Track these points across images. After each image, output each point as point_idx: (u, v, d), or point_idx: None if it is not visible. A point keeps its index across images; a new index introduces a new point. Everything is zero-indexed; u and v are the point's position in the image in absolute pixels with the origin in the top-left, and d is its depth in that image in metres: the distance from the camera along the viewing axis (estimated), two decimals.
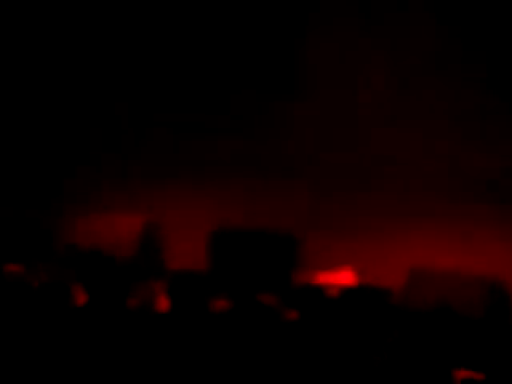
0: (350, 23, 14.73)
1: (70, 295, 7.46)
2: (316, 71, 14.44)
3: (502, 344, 7.62)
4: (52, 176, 13.40)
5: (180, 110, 14.46)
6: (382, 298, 8.71)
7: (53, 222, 11.20)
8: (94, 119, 14.26)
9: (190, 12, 15.29)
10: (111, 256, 8.89)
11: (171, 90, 14.81)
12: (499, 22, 13.91)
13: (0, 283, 7.84)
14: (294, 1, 15.07)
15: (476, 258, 10.74)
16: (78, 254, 9.42)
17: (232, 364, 6.69)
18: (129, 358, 6.82)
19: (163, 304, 8.03)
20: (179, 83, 14.92)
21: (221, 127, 14.25)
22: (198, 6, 15.28)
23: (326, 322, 7.27)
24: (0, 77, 15.02)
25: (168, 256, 10.38)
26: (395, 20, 14.22)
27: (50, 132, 14.39)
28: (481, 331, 8.25)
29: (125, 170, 13.25)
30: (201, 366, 6.72)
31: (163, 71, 14.87)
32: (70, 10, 14.94)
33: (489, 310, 8.86)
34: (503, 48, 13.28)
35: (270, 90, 14.78)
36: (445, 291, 8.94)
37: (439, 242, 11.30)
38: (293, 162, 13.46)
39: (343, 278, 9.59)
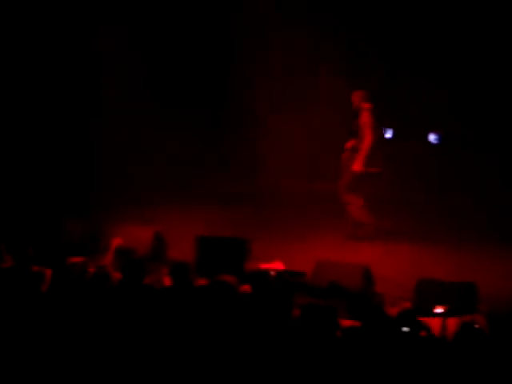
0: None
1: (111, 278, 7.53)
2: None
3: (370, 305, 7.78)
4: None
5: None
6: (300, 278, 9.14)
7: (98, 227, 10.92)
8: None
9: None
10: (135, 252, 9.32)
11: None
12: None
13: (66, 272, 7.58)
14: None
15: (357, 253, 10.88)
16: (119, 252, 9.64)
17: (207, 319, 6.76)
18: (146, 315, 6.86)
19: (167, 281, 8.18)
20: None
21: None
22: None
23: (267, 291, 7.44)
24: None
25: (169, 251, 10.40)
26: None
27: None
28: (358, 298, 8.37)
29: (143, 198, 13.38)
30: (189, 320, 6.76)
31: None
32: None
33: (362, 286, 8.97)
34: None
35: None
36: (338, 275, 8.94)
37: (335, 243, 11.36)
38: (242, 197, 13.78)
39: (277, 265, 9.66)
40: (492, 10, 13.65)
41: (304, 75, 14.84)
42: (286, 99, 15.15)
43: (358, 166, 11.39)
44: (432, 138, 9.76)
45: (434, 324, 7.28)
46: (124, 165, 14.42)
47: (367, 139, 11.34)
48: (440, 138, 10.68)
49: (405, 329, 6.37)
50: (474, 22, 13.81)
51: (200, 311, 6.91)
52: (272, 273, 9.11)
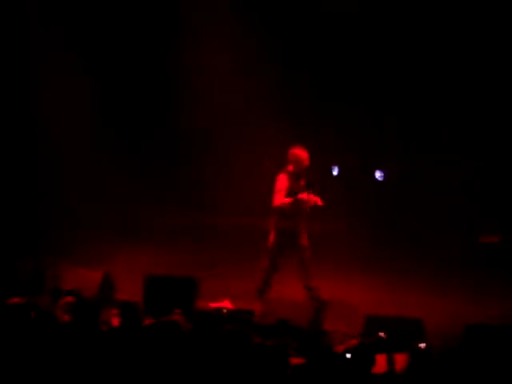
0: None
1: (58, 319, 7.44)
2: None
3: (319, 344, 7.75)
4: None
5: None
6: (249, 316, 9.05)
7: (43, 268, 10.66)
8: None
9: None
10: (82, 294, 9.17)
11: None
12: None
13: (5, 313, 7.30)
14: None
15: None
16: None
17: (155, 353, 6.72)
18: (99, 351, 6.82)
19: (115, 322, 8.06)
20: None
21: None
22: None
23: (215, 328, 7.24)
24: None
25: (118, 292, 10.28)
26: None
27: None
28: (306, 336, 8.32)
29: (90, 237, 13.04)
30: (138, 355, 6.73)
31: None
32: None
33: (312, 322, 9.02)
34: None
35: None
36: (285, 311, 9.04)
37: (285, 280, 10.85)
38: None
39: (225, 304, 9.66)
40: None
41: (253, 115, 14.79)
42: (237, 136, 15.09)
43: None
44: (378, 175, 9.76)
45: (382, 360, 7.20)
46: (70, 203, 14.17)
47: None
48: (386, 175, 10.73)
49: (348, 355, 6.36)
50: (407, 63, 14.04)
51: (147, 351, 6.79)
52: (224, 311, 9.23)
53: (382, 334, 7.74)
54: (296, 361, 7.00)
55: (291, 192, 9.69)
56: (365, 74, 14.32)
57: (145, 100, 15.37)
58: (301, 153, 9.74)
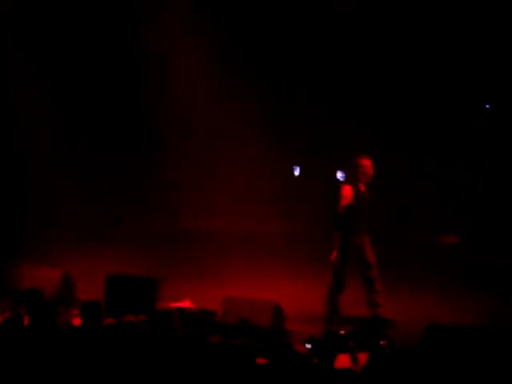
0: None
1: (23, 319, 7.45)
2: None
3: (279, 338, 7.71)
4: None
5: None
6: (210, 316, 8.99)
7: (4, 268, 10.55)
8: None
9: None
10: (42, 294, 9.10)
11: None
12: None
13: None
14: None
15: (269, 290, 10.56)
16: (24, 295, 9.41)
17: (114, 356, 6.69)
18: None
19: (76, 322, 8.09)
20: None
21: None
22: None
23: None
24: None
25: (79, 292, 10.16)
26: None
27: None
28: (267, 336, 8.43)
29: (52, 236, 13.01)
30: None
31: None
32: None
33: (272, 323, 8.85)
34: None
35: None
36: (248, 312, 8.83)
37: (248, 281, 11.11)
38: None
39: (186, 304, 9.60)
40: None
41: (227, 115, 14.79)
42: (210, 138, 15.12)
43: None
44: (339, 175, 9.83)
45: (344, 358, 7.31)
46: (35, 202, 14.10)
47: None
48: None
49: (308, 345, 6.34)
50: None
51: (107, 351, 6.76)
52: (188, 310, 9.25)
53: (342, 332, 7.81)
54: (258, 361, 6.95)
55: (356, 203, 9.70)
56: (354, 72, 14.36)
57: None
58: (367, 162, 9.74)
